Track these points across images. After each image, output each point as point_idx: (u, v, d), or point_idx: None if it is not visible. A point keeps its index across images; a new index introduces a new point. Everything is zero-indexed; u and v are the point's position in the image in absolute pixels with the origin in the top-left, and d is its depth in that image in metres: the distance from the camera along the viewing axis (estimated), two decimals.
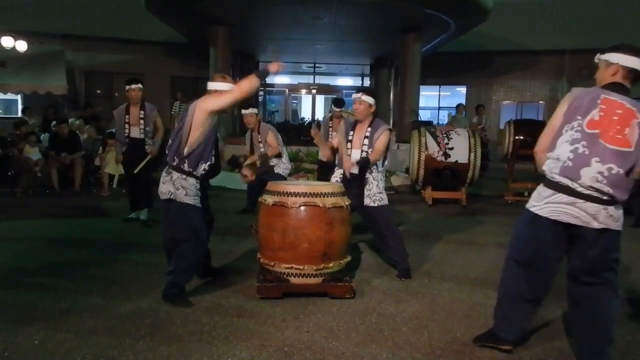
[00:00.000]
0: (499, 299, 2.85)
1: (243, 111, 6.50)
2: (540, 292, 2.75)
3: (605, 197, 2.41)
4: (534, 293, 2.72)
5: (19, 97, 14.64)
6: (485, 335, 2.89)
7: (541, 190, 2.58)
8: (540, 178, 2.66)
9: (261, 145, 6.44)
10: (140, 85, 5.86)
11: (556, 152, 2.52)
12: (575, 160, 2.43)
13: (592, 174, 2.39)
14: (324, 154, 4.55)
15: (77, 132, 9.23)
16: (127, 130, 5.83)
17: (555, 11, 15.79)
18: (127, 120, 5.82)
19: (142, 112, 5.83)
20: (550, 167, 2.54)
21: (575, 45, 15.24)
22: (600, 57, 2.65)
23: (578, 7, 15.66)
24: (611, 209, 2.43)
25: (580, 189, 2.43)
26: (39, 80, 12.82)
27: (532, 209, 2.60)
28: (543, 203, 2.54)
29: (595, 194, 2.41)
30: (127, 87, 5.85)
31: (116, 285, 3.79)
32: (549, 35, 15.31)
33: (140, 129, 5.83)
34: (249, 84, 3.41)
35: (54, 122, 9.69)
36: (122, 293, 3.62)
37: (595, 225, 2.44)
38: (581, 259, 2.56)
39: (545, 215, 2.52)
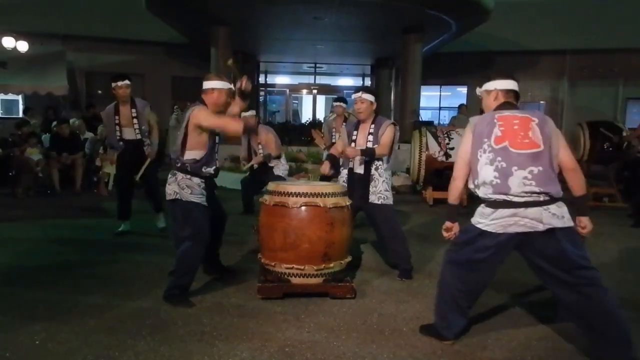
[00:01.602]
0: (437, 299, 2.99)
1: (243, 114, 6.53)
2: (474, 294, 2.88)
3: (541, 198, 2.54)
4: (468, 295, 2.86)
5: (19, 98, 14.66)
6: (427, 329, 3.05)
7: (482, 209, 2.70)
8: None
9: (260, 146, 6.49)
10: (127, 82, 5.22)
11: (481, 177, 2.66)
12: (500, 177, 2.57)
13: (518, 181, 2.53)
14: (323, 169, 4.39)
15: (78, 132, 9.23)
16: (118, 133, 5.28)
17: (556, 11, 15.78)
18: (117, 122, 5.26)
19: (133, 110, 5.26)
20: (483, 191, 2.66)
21: (576, 45, 15.25)
22: (479, 91, 2.94)
23: (578, 7, 15.65)
24: (553, 207, 2.55)
25: (516, 199, 2.55)
26: (39, 80, 12.84)
27: (478, 225, 2.69)
28: (489, 220, 2.64)
29: (530, 198, 2.54)
30: (114, 85, 5.20)
31: (117, 285, 3.79)
32: (550, 35, 15.31)
33: (134, 129, 5.27)
34: (236, 127, 3.45)
35: (54, 123, 9.71)
36: (123, 293, 3.63)
37: (541, 227, 2.55)
38: (544, 263, 2.63)
39: (492, 231, 2.62)
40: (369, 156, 4.05)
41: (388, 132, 4.10)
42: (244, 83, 3.62)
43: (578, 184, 2.68)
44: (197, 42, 13.82)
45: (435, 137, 7.64)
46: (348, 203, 3.68)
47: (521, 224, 2.56)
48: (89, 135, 9.65)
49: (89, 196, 8.15)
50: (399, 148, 9.95)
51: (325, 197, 3.51)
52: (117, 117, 5.27)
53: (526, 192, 2.53)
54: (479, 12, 11.11)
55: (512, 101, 2.80)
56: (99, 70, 15.53)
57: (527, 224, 2.55)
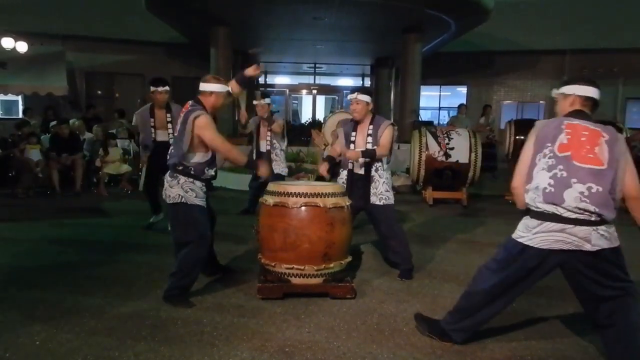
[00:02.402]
0: (461, 302, 2.90)
1: (255, 102, 6.54)
2: (501, 309, 2.81)
3: (593, 218, 2.44)
4: (495, 311, 2.80)
5: (19, 98, 14.66)
6: (428, 324, 2.99)
7: (527, 221, 2.59)
8: (524, 211, 2.66)
9: (269, 134, 6.51)
10: (167, 88, 5.39)
11: (535, 182, 2.55)
12: (556, 185, 2.46)
13: (575, 195, 2.42)
14: (322, 171, 4.37)
15: (78, 132, 9.23)
16: (153, 135, 5.47)
17: (556, 11, 15.80)
18: (153, 124, 5.44)
19: (168, 115, 5.42)
20: (532, 197, 2.55)
21: (576, 45, 15.26)
22: (556, 92, 2.81)
23: (578, 7, 15.66)
24: (602, 228, 2.46)
25: (567, 214, 2.45)
26: (39, 81, 12.84)
27: (520, 240, 2.60)
28: (532, 234, 2.54)
29: (582, 216, 2.44)
30: (153, 89, 5.34)
31: (117, 286, 3.79)
32: (550, 35, 15.32)
33: (168, 132, 5.40)
34: (239, 159, 3.56)
35: (53, 123, 9.71)
36: (123, 293, 3.63)
37: (588, 247, 2.45)
38: (583, 279, 2.57)
39: (536, 246, 2.53)
40: (369, 157, 4.05)
41: (387, 133, 4.11)
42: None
43: (637, 212, 2.53)
44: (197, 42, 13.82)
45: (435, 137, 7.64)
46: (348, 203, 3.68)
47: (567, 241, 2.46)
48: (88, 136, 9.66)
49: (88, 197, 8.15)
50: (398, 148, 9.96)
51: (325, 197, 3.51)
52: (152, 120, 5.43)
53: (580, 209, 2.42)
54: (478, 12, 11.11)
55: (587, 110, 2.66)
56: (99, 70, 15.55)
57: (573, 243, 2.46)
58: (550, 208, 2.48)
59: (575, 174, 2.44)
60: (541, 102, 16.47)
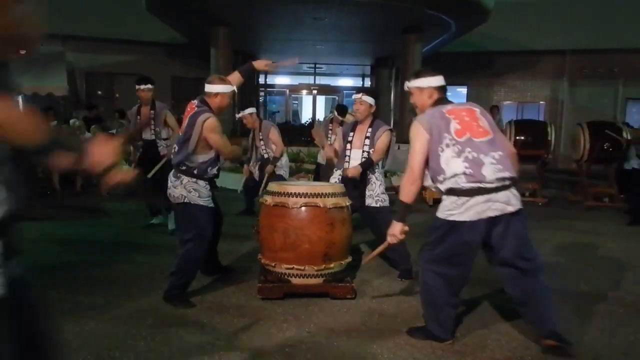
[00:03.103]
0: (423, 303, 2.99)
1: (242, 112, 6.48)
2: (459, 287, 2.92)
3: (507, 182, 2.68)
4: (453, 291, 2.89)
5: (19, 99, 14.62)
6: (422, 331, 3.00)
7: (453, 199, 2.70)
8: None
9: (262, 143, 6.43)
10: (150, 86, 5.51)
11: (450, 171, 2.70)
12: (472, 166, 2.65)
13: (490, 168, 2.65)
14: (325, 153, 4.47)
15: (78, 133, 9.24)
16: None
17: (556, 11, 15.78)
18: (138, 121, 5.60)
19: (152, 112, 5.56)
20: (454, 182, 2.69)
21: (576, 45, 15.24)
22: (409, 86, 3.03)
23: (578, 7, 15.65)
24: (514, 190, 2.71)
25: (490, 186, 2.65)
26: (39, 81, 12.81)
27: (450, 218, 2.72)
28: (462, 209, 2.67)
29: (500, 183, 2.66)
30: (137, 87, 5.50)
31: (117, 286, 3.79)
32: (550, 35, 15.30)
33: (151, 129, 5.56)
34: (228, 153, 3.62)
35: (53, 123, 9.71)
36: (123, 294, 3.63)
37: (510, 209, 2.68)
38: (505, 244, 2.72)
39: (469, 219, 2.66)
40: (368, 167, 4.08)
41: (384, 138, 4.14)
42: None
43: (516, 167, 2.82)
44: (197, 42, 13.81)
45: None
46: (348, 203, 3.68)
47: (494, 208, 2.65)
48: (88, 136, 9.67)
49: (88, 197, 8.16)
50: (398, 148, 9.95)
51: (325, 197, 3.52)
52: (138, 117, 5.61)
53: (498, 179, 2.64)
54: (478, 12, 11.10)
55: (445, 96, 2.96)
56: (99, 70, 15.53)
57: (498, 208, 2.65)
58: (475, 185, 2.64)
59: (481, 150, 2.67)
60: (541, 102, 16.45)
